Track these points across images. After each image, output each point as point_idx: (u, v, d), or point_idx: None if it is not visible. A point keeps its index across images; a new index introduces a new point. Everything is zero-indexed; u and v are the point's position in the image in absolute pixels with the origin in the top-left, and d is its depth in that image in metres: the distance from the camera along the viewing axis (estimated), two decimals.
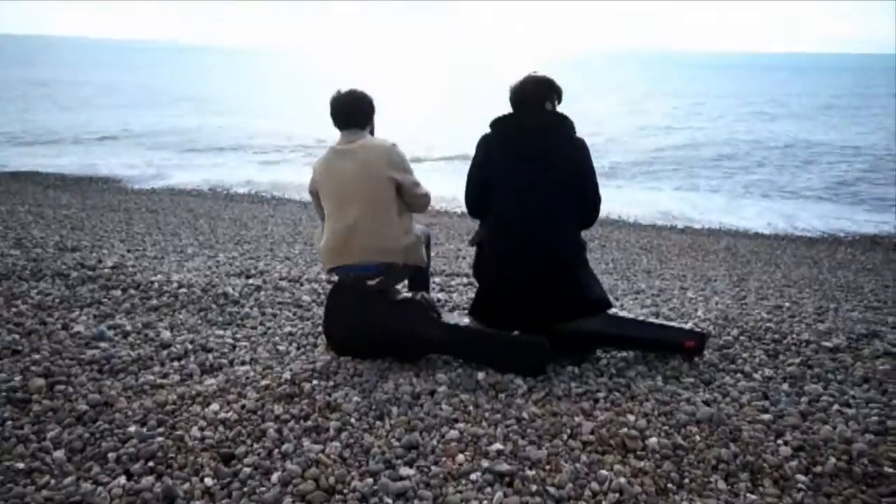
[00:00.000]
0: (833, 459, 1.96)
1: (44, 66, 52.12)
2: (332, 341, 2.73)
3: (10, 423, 2.07)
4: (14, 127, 18.71)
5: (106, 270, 3.72)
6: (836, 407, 2.33)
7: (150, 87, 35.35)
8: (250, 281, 3.80)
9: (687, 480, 1.89)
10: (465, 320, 2.76)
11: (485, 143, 2.71)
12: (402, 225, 2.71)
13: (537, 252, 2.59)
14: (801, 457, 1.98)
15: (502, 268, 2.66)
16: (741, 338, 3.01)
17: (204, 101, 28.14)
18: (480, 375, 2.51)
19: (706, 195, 12.53)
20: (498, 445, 2.03)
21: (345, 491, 1.80)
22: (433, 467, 1.92)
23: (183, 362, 2.62)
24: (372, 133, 2.84)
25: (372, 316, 2.64)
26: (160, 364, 2.60)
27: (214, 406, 2.24)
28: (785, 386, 2.53)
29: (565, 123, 2.66)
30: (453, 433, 2.10)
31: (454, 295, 3.96)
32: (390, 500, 1.76)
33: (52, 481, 1.80)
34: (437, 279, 4.52)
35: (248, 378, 2.47)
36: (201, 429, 2.08)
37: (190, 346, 2.76)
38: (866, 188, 13.14)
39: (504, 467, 1.91)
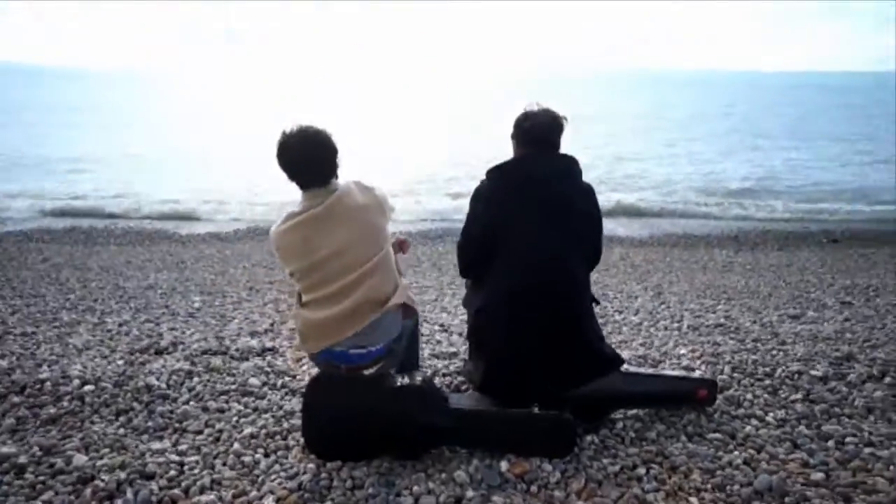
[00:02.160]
0: None
1: None
2: (312, 445, 2.23)
3: None
4: None
5: None
6: (866, 450, 2.26)
7: None
8: (170, 362, 3.11)
9: None
10: (471, 401, 2.39)
11: (487, 193, 2.36)
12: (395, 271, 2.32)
13: (557, 317, 2.29)
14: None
15: (516, 334, 2.31)
16: (735, 375, 2.93)
17: None
18: (503, 466, 2.16)
19: None
20: None
21: None
22: None
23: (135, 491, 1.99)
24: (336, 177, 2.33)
25: (366, 408, 2.18)
26: None
27: None
28: (803, 428, 2.44)
29: (576, 168, 2.38)
30: None
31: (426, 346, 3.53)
32: None
33: None
34: None
35: None
36: None
37: (122, 476, 2.11)
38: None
39: None
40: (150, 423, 2.51)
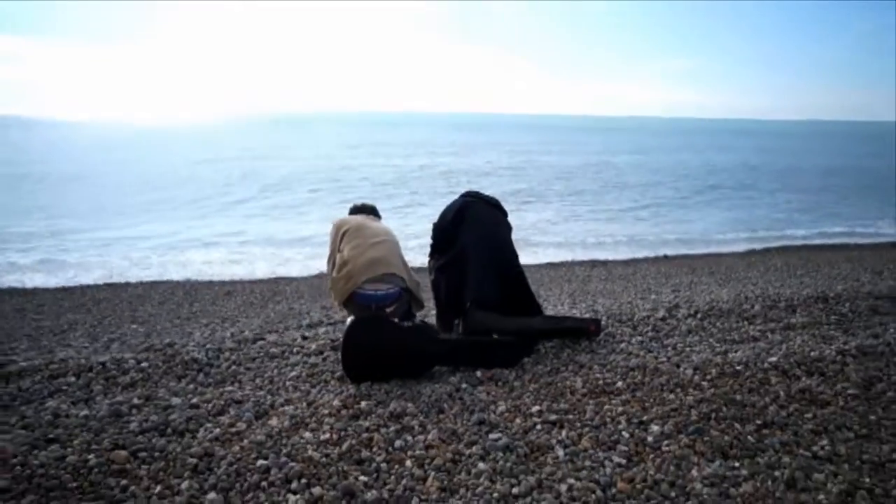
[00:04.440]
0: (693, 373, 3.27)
1: None
2: (349, 370, 3.22)
3: None
4: None
5: None
6: (688, 349, 3.71)
7: None
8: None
9: (648, 403, 2.98)
10: (454, 334, 3.52)
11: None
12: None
13: (509, 272, 3.55)
14: (699, 370, 3.25)
15: (484, 284, 3.54)
16: (610, 320, 4.33)
17: None
18: (478, 373, 3.31)
19: None
20: (536, 407, 2.88)
21: (472, 450, 2.47)
22: (508, 430, 2.68)
23: (235, 411, 2.86)
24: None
25: (386, 341, 3.23)
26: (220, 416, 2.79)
27: (309, 434, 2.63)
28: (653, 343, 3.86)
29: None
30: (503, 406, 2.88)
31: None
32: (500, 450, 2.48)
33: None
34: None
35: (303, 417, 2.83)
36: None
37: (221, 402, 2.96)
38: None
39: (553, 417, 2.78)
40: (210, 380, 3.34)
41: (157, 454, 2.44)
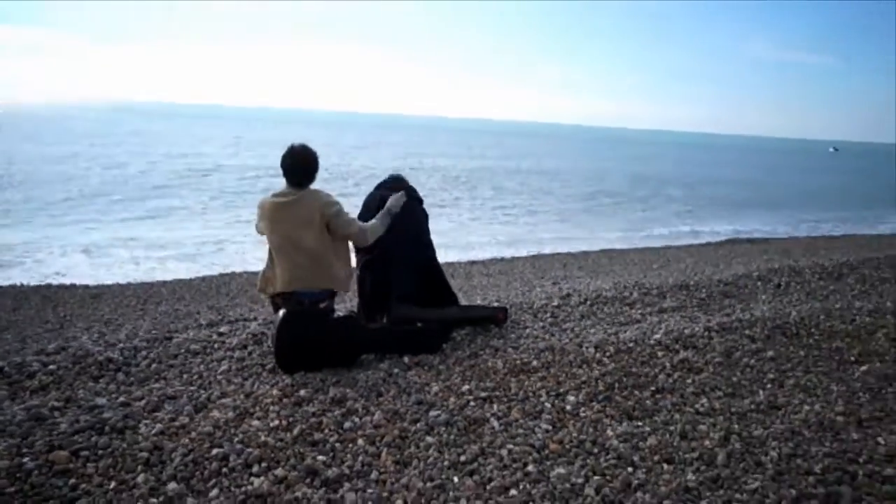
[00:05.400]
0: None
1: None
2: (282, 361, 3.28)
3: None
4: None
5: None
6: (580, 329, 4.20)
7: None
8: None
9: (562, 377, 3.37)
10: (378, 324, 3.69)
11: None
12: (339, 259, 3.49)
13: (426, 265, 3.79)
14: (599, 348, 3.71)
15: (406, 282, 3.73)
16: (514, 309, 4.73)
17: None
18: (406, 359, 3.52)
19: None
20: (466, 386, 3.16)
21: (416, 426, 2.69)
22: (445, 408, 2.93)
23: (172, 406, 2.82)
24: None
25: (317, 333, 3.33)
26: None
27: (257, 422, 2.69)
28: (552, 327, 4.31)
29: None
30: (436, 387, 3.12)
31: None
32: (442, 425, 2.73)
33: None
34: None
35: (246, 407, 2.87)
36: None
37: (154, 397, 2.90)
38: None
39: (483, 394, 3.07)
40: (131, 378, 3.23)
41: (100, 452, 2.39)
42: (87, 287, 9.72)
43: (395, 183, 4.13)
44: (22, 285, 9.69)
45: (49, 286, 9.71)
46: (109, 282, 10.17)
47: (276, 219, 3.42)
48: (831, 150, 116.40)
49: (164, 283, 10.18)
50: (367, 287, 3.90)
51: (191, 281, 10.09)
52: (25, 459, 2.28)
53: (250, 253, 12.27)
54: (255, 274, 10.06)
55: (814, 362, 3.67)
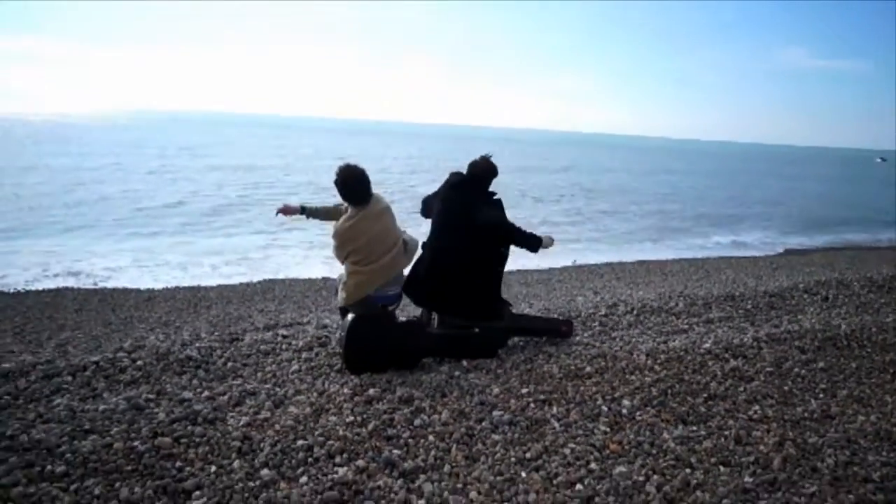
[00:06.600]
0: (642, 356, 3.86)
1: None
2: (350, 363, 3.48)
3: None
4: None
5: None
6: (631, 336, 4.31)
7: None
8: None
9: (616, 383, 3.50)
10: (440, 329, 3.87)
11: None
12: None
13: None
14: (650, 356, 3.83)
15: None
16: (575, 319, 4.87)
17: None
18: (464, 363, 3.69)
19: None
20: (525, 389, 3.31)
21: (482, 425, 2.85)
22: (507, 408, 3.08)
23: (252, 402, 3.04)
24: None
25: (389, 336, 3.53)
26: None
27: (334, 418, 2.88)
28: (603, 335, 4.43)
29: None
30: (496, 389, 3.28)
31: None
32: (506, 425, 2.88)
33: None
34: None
35: (322, 404, 3.08)
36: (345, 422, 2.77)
37: (235, 393, 3.13)
38: None
39: (541, 397, 3.22)
40: (211, 375, 3.47)
41: (197, 440, 2.61)
42: (139, 291, 10.17)
43: (454, 176, 4.03)
44: (79, 288, 10.19)
45: (104, 290, 10.18)
46: (159, 286, 10.61)
47: (354, 237, 3.53)
48: (878, 160, 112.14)
49: (211, 287, 10.57)
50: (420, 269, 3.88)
51: (235, 286, 10.46)
52: (136, 443, 2.51)
53: (291, 259, 12.68)
54: (297, 280, 10.40)
55: (867, 374, 3.73)
